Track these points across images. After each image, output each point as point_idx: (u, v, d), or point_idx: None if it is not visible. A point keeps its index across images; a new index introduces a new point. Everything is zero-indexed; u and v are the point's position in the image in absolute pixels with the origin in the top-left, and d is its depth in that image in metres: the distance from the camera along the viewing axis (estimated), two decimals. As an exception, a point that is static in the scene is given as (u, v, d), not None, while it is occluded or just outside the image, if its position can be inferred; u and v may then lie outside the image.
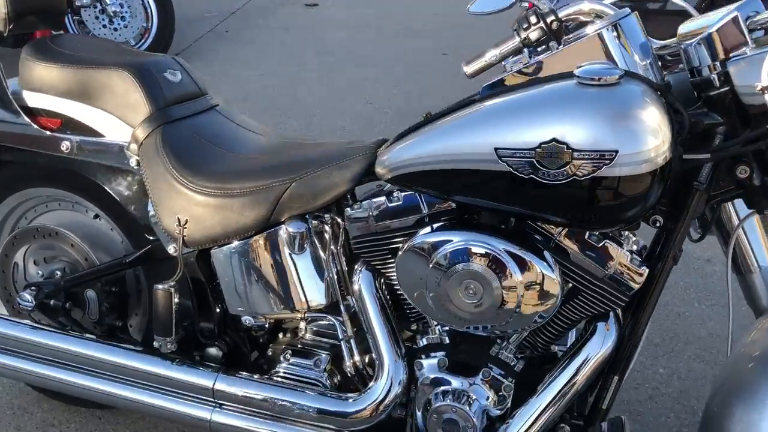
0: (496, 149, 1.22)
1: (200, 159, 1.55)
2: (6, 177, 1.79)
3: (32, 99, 1.65)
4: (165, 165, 1.52)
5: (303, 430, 1.49)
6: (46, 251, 1.78)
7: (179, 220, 1.50)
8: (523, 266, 1.28)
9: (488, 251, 1.29)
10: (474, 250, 1.29)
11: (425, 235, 1.35)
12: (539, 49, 1.33)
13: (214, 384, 1.53)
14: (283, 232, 1.47)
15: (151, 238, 1.62)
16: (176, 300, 1.54)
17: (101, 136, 1.60)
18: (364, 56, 4.93)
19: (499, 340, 1.44)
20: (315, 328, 1.59)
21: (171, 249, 1.56)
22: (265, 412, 1.51)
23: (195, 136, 1.58)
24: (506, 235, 1.32)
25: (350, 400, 1.47)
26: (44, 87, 1.63)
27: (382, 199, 1.41)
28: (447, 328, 1.45)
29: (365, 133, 3.59)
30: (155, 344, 1.57)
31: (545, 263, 1.28)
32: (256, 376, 1.56)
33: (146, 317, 1.77)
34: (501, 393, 1.41)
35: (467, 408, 1.39)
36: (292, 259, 1.48)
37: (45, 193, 1.78)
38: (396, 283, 1.42)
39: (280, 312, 1.53)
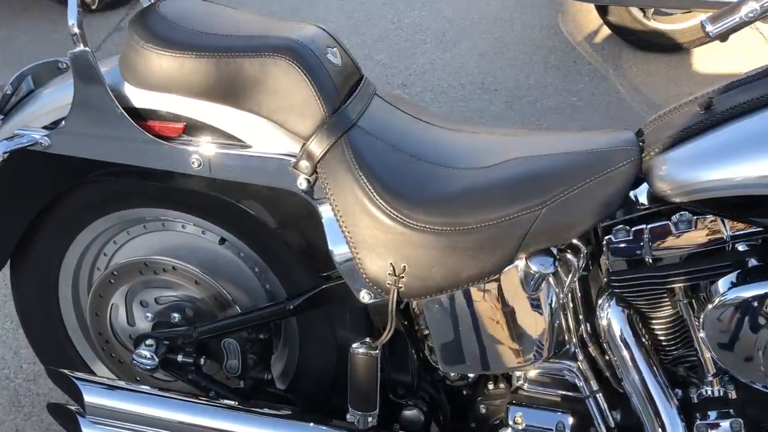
0: None
1: (410, 182, 1.18)
2: (95, 197, 1.35)
3: (144, 99, 1.21)
4: (366, 193, 1.15)
5: None
6: (158, 290, 1.41)
7: (393, 267, 1.15)
8: None
9: None
10: None
11: (755, 285, 1.08)
12: None
13: None
14: (522, 271, 1.16)
15: (321, 275, 1.28)
16: (381, 367, 1.23)
17: (245, 146, 1.20)
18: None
19: None
20: (542, 378, 1.32)
21: (364, 297, 1.20)
22: None
23: (392, 148, 1.21)
24: None
25: None
26: (166, 84, 1.19)
27: (665, 223, 1.13)
28: (728, 379, 1.20)
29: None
30: (349, 418, 1.27)
31: None
32: None
33: (286, 361, 1.47)
34: None
35: None
36: (530, 301, 1.19)
37: (145, 214, 1.39)
38: (656, 325, 1.20)
39: (516, 366, 1.25)
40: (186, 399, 1.32)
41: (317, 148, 1.15)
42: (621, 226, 1.16)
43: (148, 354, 1.34)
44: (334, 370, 1.37)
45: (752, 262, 1.09)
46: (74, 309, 1.50)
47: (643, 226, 1.14)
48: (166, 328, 1.40)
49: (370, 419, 1.24)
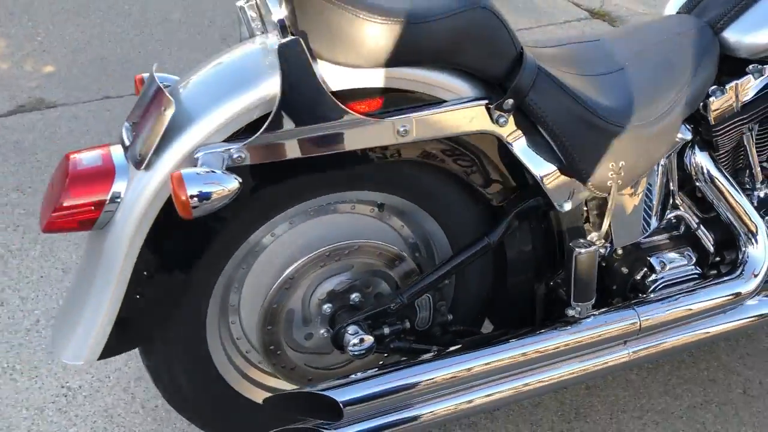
0: None
1: (599, 95, 1.33)
2: (275, 192, 1.23)
3: (342, 79, 1.14)
4: (585, 108, 1.28)
5: (707, 323, 1.50)
6: (334, 278, 1.36)
7: (614, 166, 1.33)
8: None
9: None
10: None
11: None
12: None
13: (639, 318, 1.41)
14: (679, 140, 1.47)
15: (498, 204, 1.35)
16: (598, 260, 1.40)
17: (441, 102, 1.21)
18: None
19: None
20: (660, 232, 1.57)
21: (565, 205, 1.32)
22: (680, 323, 1.48)
23: (560, 69, 1.31)
24: None
25: (738, 278, 1.49)
26: (366, 58, 1.13)
27: (746, 76, 1.47)
28: None
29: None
30: (571, 312, 1.38)
31: None
32: (664, 294, 1.50)
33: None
34: None
35: None
36: (671, 168, 1.52)
37: (319, 203, 1.30)
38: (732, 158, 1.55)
39: (657, 224, 1.53)
40: (424, 360, 1.31)
41: (526, 81, 1.21)
42: (715, 86, 1.48)
43: (359, 339, 1.28)
44: (489, 290, 1.47)
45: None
46: (223, 343, 1.37)
47: (734, 82, 1.48)
48: (347, 311, 1.36)
49: (588, 307, 1.40)
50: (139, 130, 1.14)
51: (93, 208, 1.12)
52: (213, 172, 1.07)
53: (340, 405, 1.21)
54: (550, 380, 1.38)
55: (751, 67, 1.49)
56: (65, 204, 1.11)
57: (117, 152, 1.18)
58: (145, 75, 1.27)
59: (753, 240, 1.53)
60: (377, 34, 1.11)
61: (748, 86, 1.50)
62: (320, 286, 1.35)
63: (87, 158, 1.16)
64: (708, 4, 1.51)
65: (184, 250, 1.21)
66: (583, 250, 1.34)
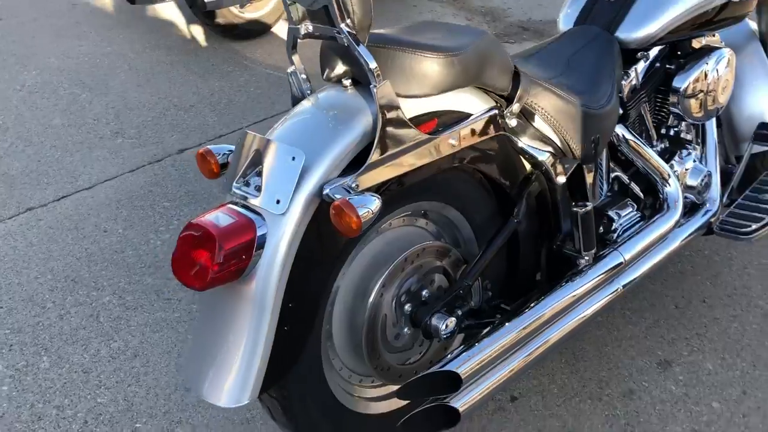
0: None
1: (572, 88, 1.72)
2: None
3: (407, 108, 1.39)
4: (572, 102, 1.67)
5: (657, 251, 1.92)
6: (407, 281, 1.58)
7: (594, 139, 1.73)
8: None
9: None
10: None
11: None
12: None
13: (623, 256, 1.81)
14: None
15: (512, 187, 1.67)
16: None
17: (469, 114, 1.52)
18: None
19: None
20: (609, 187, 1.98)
21: (561, 179, 1.71)
22: (643, 254, 1.87)
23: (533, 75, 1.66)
24: None
25: (666, 213, 1.96)
26: (438, 84, 1.42)
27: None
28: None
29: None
30: (582, 261, 1.75)
31: None
32: (626, 236, 1.88)
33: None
34: None
35: None
36: None
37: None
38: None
39: None
40: (498, 324, 1.58)
41: (525, 88, 1.57)
42: (622, 72, 1.95)
43: (445, 324, 1.55)
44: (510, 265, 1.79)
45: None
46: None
47: (633, 67, 1.97)
48: (424, 306, 1.59)
49: (592, 255, 1.78)
50: (268, 181, 1.31)
51: (243, 256, 1.29)
52: (363, 194, 1.30)
53: (459, 374, 1.47)
54: (580, 320, 1.72)
55: (639, 54, 1.99)
56: (223, 258, 1.27)
57: (236, 207, 1.34)
58: (212, 146, 1.47)
59: (666, 183, 2.02)
60: (438, 68, 1.40)
61: (641, 69, 2.00)
62: (402, 288, 1.58)
63: (218, 217, 1.31)
64: (596, 15, 1.99)
65: (316, 278, 1.40)
66: (582, 210, 1.72)
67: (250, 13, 3.89)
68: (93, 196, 2.69)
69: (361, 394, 1.66)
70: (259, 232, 1.30)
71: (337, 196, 1.29)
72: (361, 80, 1.41)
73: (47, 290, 2.23)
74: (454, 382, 1.48)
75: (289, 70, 1.50)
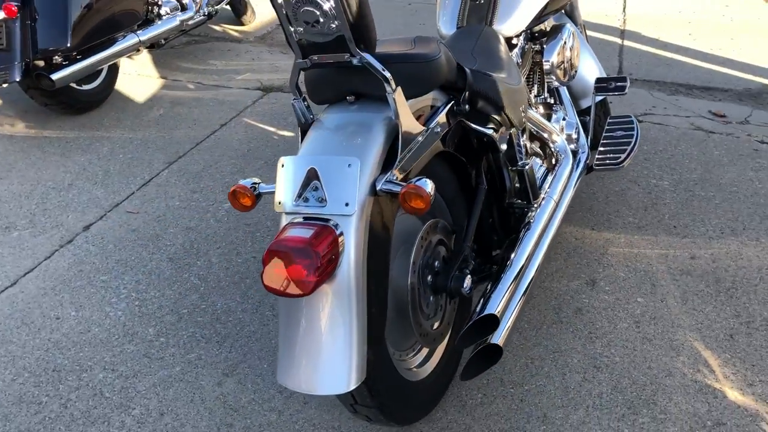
0: None
1: (492, 71, 2.09)
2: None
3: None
4: (498, 80, 2.05)
5: (565, 194, 2.44)
6: (424, 255, 1.86)
7: (522, 108, 2.18)
8: None
9: None
10: None
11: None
12: None
13: (554, 200, 2.32)
14: None
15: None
16: None
17: (438, 107, 1.91)
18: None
19: None
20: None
21: (504, 146, 2.09)
22: (564, 193, 2.41)
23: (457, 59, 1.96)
24: None
25: (563, 163, 2.49)
26: (426, 87, 1.80)
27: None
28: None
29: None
30: (534, 206, 2.23)
31: None
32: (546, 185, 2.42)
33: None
34: None
35: None
36: None
37: None
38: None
39: None
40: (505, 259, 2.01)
41: (470, 79, 1.93)
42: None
43: (465, 282, 1.88)
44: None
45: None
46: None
47: (514, 51, 2.46)
48: (439, 274, 1.90)
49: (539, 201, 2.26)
50: (331, 190, 1.53)
51: (333, 257, 1.51)
52: (418, 179, 1.57)
53: (496, 314, 1.80)
54: (546, 249, 2.17)
55: (514, 41, 2.46)
56: (321, 262, 1.47)
57: (302, 220, 1.54)
58: (242, 181, 1.67)
59: (556, 139, 2.52)
60: (430, 70, 1.73)
61: (518, 52, 2.47)
62: (423, 262, 1.87)
63: (298, 232, 1.49)
64: (470, 15, 2.42)
65: (381, 261, 1.64)
66: (527, 166, 2.15)
67: (87, 86, 3.87)
68: (23, 291, 2.61)
69: (404, 366, 1.92)
70: (336, 232, 1.52)
71: (396, 188, 1.56)
72: (366, 93, 1.69)
73: (33, 387, 2.19)
74: (493, 323, 1.81)
75: (292, 100, 1.72)
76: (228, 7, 5.03)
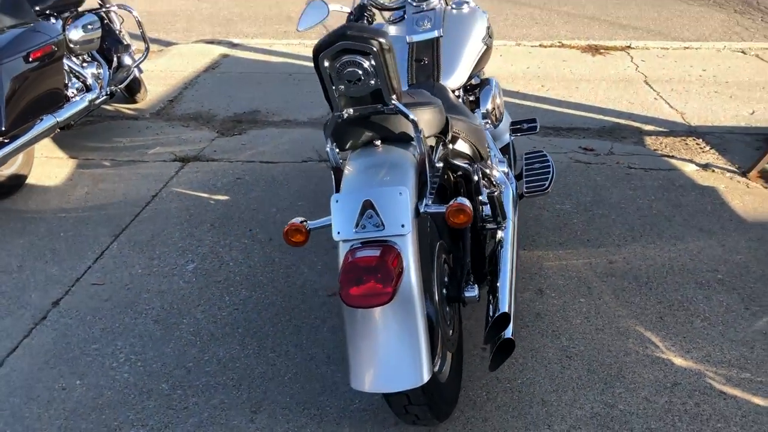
0: None
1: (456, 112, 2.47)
2: None
3: None
4: (470, 122, 2.49)
5: None
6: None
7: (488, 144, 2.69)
8: None
9: None
10: None
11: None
12: None
13: (512, 221, 2.69)
14: None
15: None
16: None
17: (432, 148, 2.21)
18: None
19: None
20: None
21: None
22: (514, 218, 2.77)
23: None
24: None
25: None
26: (435, 129, 2.15)
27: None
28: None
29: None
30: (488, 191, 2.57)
31: None
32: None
33: None
34: None
35: None
36: None
37: None
38: None
39: None
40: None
41: (451, 123, 2.30)
42: None
43: (471, 292, 2.25)
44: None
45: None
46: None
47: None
48: (449, 287, 2.25)
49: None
50: (387, 216, 1.83)
51: (401, 270, 1.81)
52: (455, 198, 1.92)
53: (507, 313, 2.17)
54: (518, 255, 2.57)
55: (456, 92, 2.92)
56: (395, 274, 1.76)
57: (363, 244, 1.84)
58: (294, 220, 1.95)
59: (495, 171, 2.98)
60: (440, 115, 2.16)
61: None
62: (440, 277, 2.21)
63: (368, 253, 1.79)
64: (419, 74, 2.84)
65: (427, 270, 1.97)
66: (496, 192, 2.55)
67: (7, 170, 3.83)
68: (14, 370, 2.60)
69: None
70: (397, 250, 1.83)
71: (441, 209, 1.92)
72: (388, 137, 2.03)
73: (66, 453, 2.23)
74: (505, 321, 2.17)
75: (327, 147, 2.02)
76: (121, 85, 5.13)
